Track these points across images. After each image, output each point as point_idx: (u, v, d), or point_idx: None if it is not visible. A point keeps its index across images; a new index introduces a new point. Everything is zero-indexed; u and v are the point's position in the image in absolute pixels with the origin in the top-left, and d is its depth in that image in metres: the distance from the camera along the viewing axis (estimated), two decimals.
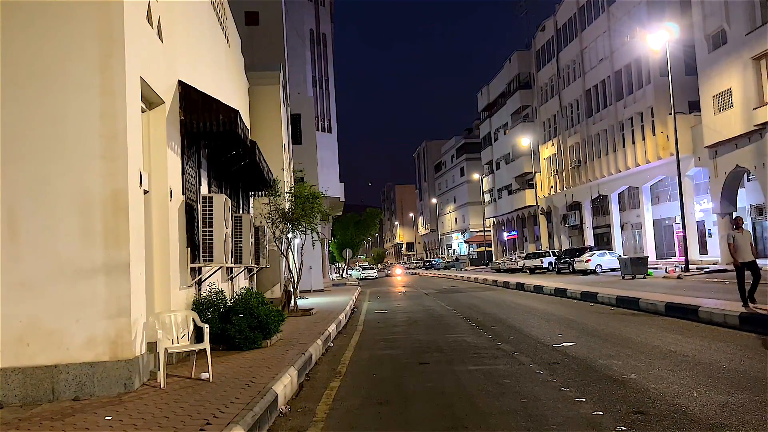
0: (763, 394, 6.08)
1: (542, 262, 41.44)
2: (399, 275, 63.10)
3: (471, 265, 72.44)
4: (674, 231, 40.02)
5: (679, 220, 34.75)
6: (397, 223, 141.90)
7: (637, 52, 39.77)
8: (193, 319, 8.04)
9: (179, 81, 9.66)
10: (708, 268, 28.42)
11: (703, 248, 36.84)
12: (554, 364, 8.30)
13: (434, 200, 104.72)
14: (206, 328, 7.66)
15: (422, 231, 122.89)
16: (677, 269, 27.56)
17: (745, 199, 33.12)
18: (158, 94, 8.57)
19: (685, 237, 29.18)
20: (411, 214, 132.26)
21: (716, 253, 33.88)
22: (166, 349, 7.30)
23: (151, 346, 7.57)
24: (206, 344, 7.50)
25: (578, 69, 49.85)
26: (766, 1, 28.09)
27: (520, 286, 26.49)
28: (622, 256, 31.98)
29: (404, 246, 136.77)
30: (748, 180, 32.61)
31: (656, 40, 29.50)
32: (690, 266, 27.67)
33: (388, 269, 77.44)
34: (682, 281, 22.57)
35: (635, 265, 27.20)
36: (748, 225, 33.45)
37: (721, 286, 18.50)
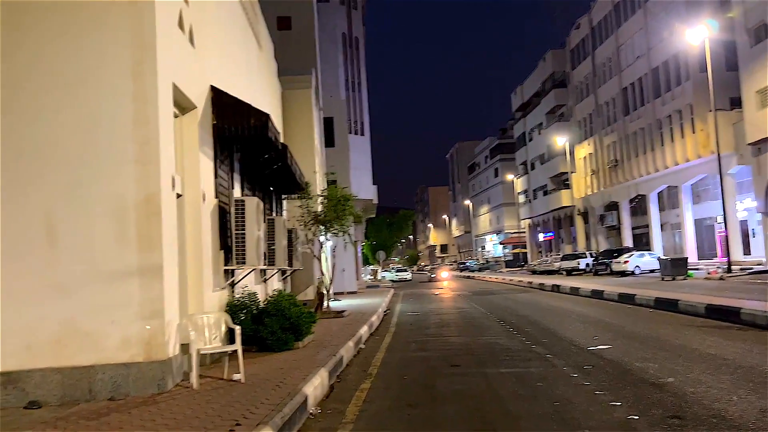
0: None
1: (579, 264, 40.77)
2: (446, 279, 52.04)
3: (506, 266, 71.75)
4: (716, 231, 38.94)
5: (721, 219, 33.82)
6: (430, 224, 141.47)
7: (675, 48, 38.84)
8: (226, 321, 8.13)
9: (211, 86, 9.80)
10: (752, 269, 27.54)
11: (747, 249, 35.72)
12: (589, 367, 8.14)
13: (468, 201, 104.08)
14: (238, 329, 7.74)
15: (456, 233, 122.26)
16: (719, 270, 26.79)
17: None
18: (190, 99, 8.70)
19: (727, 237, 28.36)
20: (444, 216, 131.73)
21: (760, 253, 32.80)
22: (198, 351, 7.40)
23: (185, 348, 7.68)
24: (238, 346, 7.58)
25: (614, 67, 48.95)
26: None
27: (555, 288, 26.11)
28: (662, 257, 31.26)
29: (438, 248, 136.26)
30: None
31: (695, 35, 28.77)
32: (732, 267, 26.86)
33: (431, 272, 59.84)
34: (724, 282, 21.93)
35: (675, 266, 26.54)
36: None
37: (766, 288, 17.90)
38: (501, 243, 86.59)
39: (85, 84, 7.15)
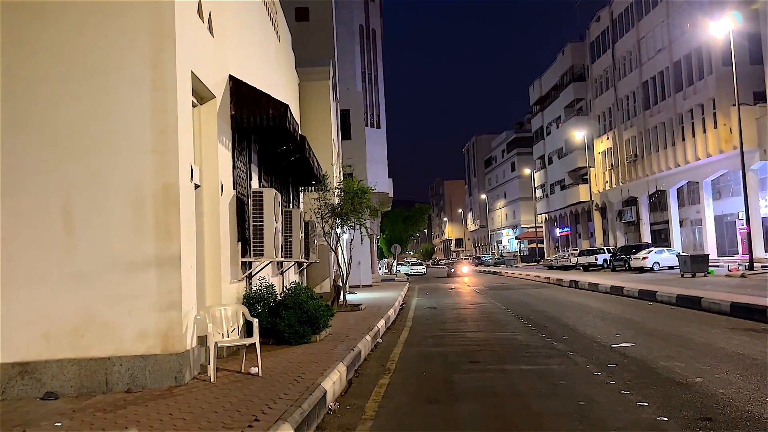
0: None
1: (596, 259, 40.33)
2: (466, 275, 46.14)
3: (522, 261, 71.29)
4: (737, 227, 38.29)
5: (742, 216, 33.23)
6: (445, 218, 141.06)
7: (698, 41, 38.15)
8: (244, 313, 8.04)
9: (230, 75, 9.70)
10: None
11: None
12: (612, 365, 7.96)
13: (484, 196, 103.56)
14: (256, 322, 7.64)
15: (471, 227, 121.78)
16: (740, 267, 26.31)
17: None
18: (209, 89, 8.61)
19: (749, 234, 27.84)
20: (460, 210, 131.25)
21: None
22: (216, 343, 7.32)
23: (202, 340, 7.61)
24: (256, 339, 7.49)
25: (635, 60, 48.23)
26: None
27: (574, 284, 25.82)
28: (682, 254, 30.79)
29: (453, 242, 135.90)
30: None
31: (719, 28, 28.18)
32: (755, 264, 26.36)
33: (450, 267, 51.46)
34: (746, 280, 21.51)
35: (695, 263, 26.09)
36: None
37: None
38: (517, 238, 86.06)
39: (104, 72, 7.07)
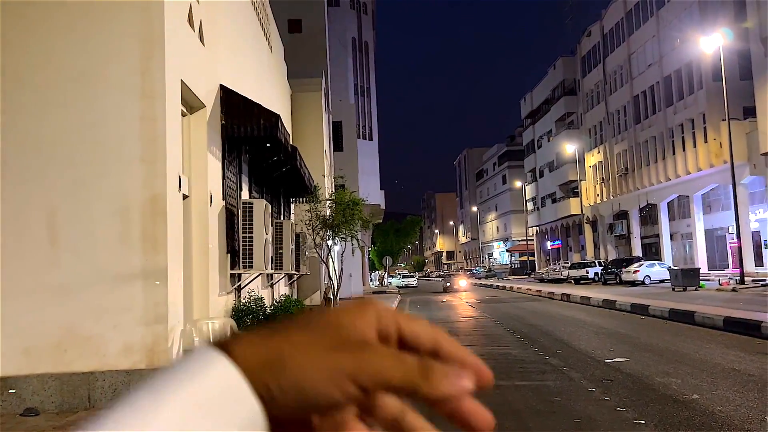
0: None
1: (588, 273, 40.36)
2: (464, 289, 39.10)
3: (513, 274, 71.30)
4: (727, 241, 38.44)
5: (732, 230, 33.37)
6: (437, 231, 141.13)
7: (688, 56, 38.46)
8: (231, 327, 7.87)
9: (220, 85, 9.58)
10: (765, 280, 27.07)
11: (759, 260, 35.22)
12: (607, 381, 7.82)
13: (475, 208, 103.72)
14: None
15: (462, 239, 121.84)
16: (731, 281, 26.35)
17: None
18: (199, 98, 8.48)
19: (740, 248, 27.93)
20: (451, 222, 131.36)
21: None
22: None
23: None
24: None
25: (626, 74, 48.60)
26: None
27: (565, 297, 25.72)
28: (673, 267, 30.86)
29: (444, 254, 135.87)
30: None
31: (709, 43, 28.42)
32: (745, 278, 26.41)
33: (446, 281, 43.08)
34: (737, 294, 21.51)
35: (686, 277, 26.15)
36: None
37: None
38: (508, 250, 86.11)
39: (91, 79, 6.93)
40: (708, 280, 29.73)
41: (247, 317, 9.70)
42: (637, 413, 6.10)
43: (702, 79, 37.76)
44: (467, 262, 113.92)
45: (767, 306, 15.69)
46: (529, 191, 73.25)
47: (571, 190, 59.52)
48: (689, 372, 8.15)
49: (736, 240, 28.08)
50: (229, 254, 9.70)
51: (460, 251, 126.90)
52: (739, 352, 9.68)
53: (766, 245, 34.75)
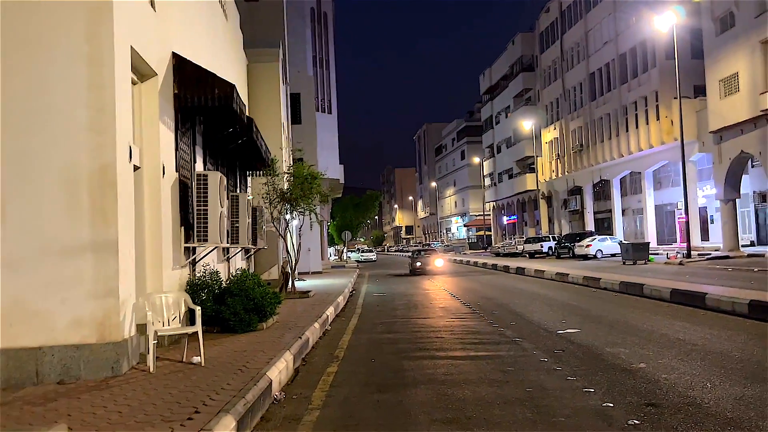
0: None
1: (542, 247, 41.21)
2: (440, 271, 28.65)
3: (470, 248, 72.25)
4: (676, 217, 39.73)
5: (681, 206, 34.48)
6: (396, 206, 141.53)
7: (643, 35, 39.11)
8: (186, 301, 7.74)
9: (173, 53, 9.27)
10: (710, 254, 28.15)
11: (705, 235, 36.57)
12: (559, 351, 8.03)
13: (434, 183, 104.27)
14: (198, 310, 7.36)
15: (421, 214, 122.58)
16: (679, 255, 27.30)
17: (749, 185, 32.76)
18: (150, 66, 8.18)
19: (687, 223, 28.89)
20: (410, 198, 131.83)
21: (718, 239, 33.59)
22: (156, 332, 7.01)
23: (142, 329, 7.27)
24: (198, 327, 7.21)
25: (582, 52, 49.16)
26: None
27: (520, 271, 26.23)
28: (624, 242, 31.74)
29: (403, 229, 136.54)
30: (752, 166, 32.22)
31: (662, 22, 28.89)
32: (692, 252, 27.39)
33: (418, 258, 29.88)
34: (684, 267, 22.31)
35: (637, 251, 26.98)
36: (750, 211, 33.20)
37: (725, 273, 18.23)
38: (466, 225, 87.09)
39: (36, 46, 6.61)
40: (657, 254, 30.72)
41: (203, 291, 9.56)
42: (586, 382, 6.28)
43: (655, 57, 38.50)
44: (426, 237, 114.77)
45: (711, 279, 16.32)
46: (487, 167, 73.94)
47: (528, 166, 60.32)
48: (637, 342, 8.43)
49: (684, 215, 29.00)
50: (183, 227, 9.50)
51: (419, 226, 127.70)
52: (684, 322, 10.06)
53: (712, 221, 36.05)
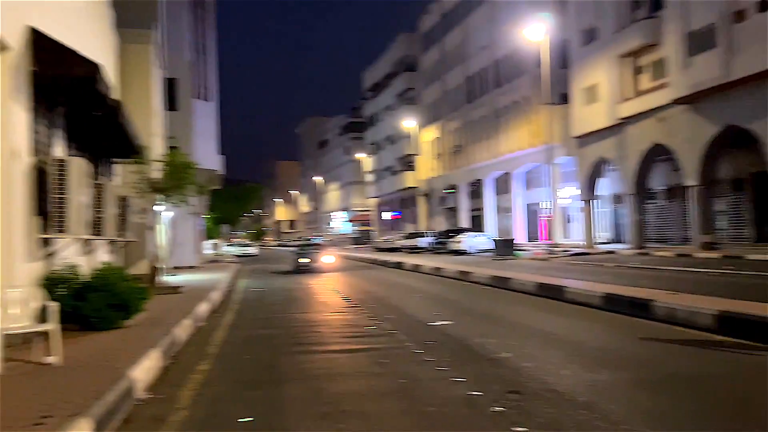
0: (628, 372, 6.34)
1: (419, 242, 42.48)
2: (329, 264, 26.53)
3: (353, 243, 72.88)
4: (539, 216, 42.45)
5: (544, 205, 36.93)
6: (279, 199, 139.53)
7: (516, 43, 41.32)
8: (40, 296, 7.11)
9: (31, 27, 8.46)
10: (571, 251, 30.35)
11: (566, 233, 39.43)
12: (432, 342, 8.26)
13: (317, 178, 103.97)
14: (53, 306, 6.79)
15: (304, 208, 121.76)
16: (543, 252, 29.21)
17: (606, 188, 35.67)
18: (1, 39, 7.41)
19: (551, 222, 30.99)
20: (293, 192, 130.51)
21: (578, 236, 36.35)
22: (2, 330, 6.37)
23: None
24: (53, 324, 6.65)
25: (461, 55, 51.09)
26: (635, 2, 30.12)
27: (398, 266, 26.80)
28: (496, 238, 33.46)
29: (285, 223, 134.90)
30: (610, 170, 35.13)
31: (533, 32, 30.69)
32: (555, 249, 29.42)
33: (306, 253, 27.04)
34: (548, 263, 23.87)
35: (505, 247, 28.65)
36: (607, 212, 36.17)
37: (584, 268, 19.73)
38: (350, 220, 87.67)
39: None
40: (524, 250, 32.63)
41: (61, 286, 8.84)
42: (456, 372, 6.51)
43: (526, 65, 40.83)
44: (307, 231, 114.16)
45: (572, 273, 17.59)
46: (370, 163, 74.89)
47: (408, 163, 61.82)
48: (504, 333, 8.87)
49: (546, 214, 31.06)
50: (39, 217, 8.72)
51: (301, 220, 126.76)
52: (547, 314, 10.73)
53: (569, 220, 38.94)
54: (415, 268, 24.17)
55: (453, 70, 52.43)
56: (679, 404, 5.23)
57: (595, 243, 33.81)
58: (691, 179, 27.24)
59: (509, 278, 15.60)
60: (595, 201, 35.28)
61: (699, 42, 25.34)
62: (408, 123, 55.32)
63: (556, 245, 30.74)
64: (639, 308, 9.92)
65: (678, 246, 28.23)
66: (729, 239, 26.57)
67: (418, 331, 9.38)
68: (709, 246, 25.46)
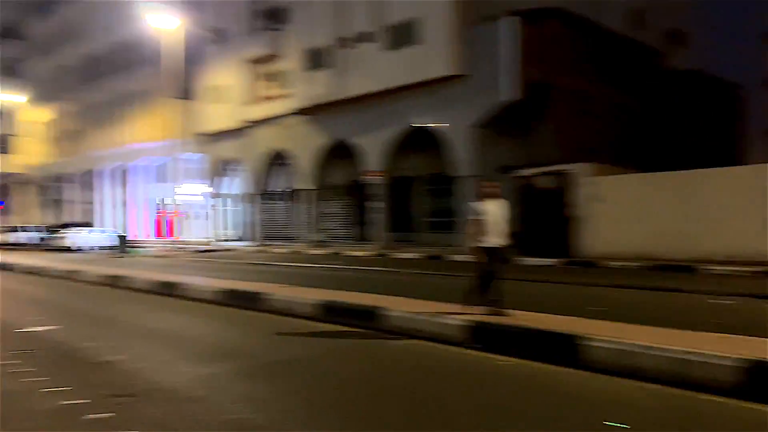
0: (239, 363, 6.71)
1: (21, 238, 37.18)
2: None
3: None
4: (163, 211, 41.50)
5: (168, 201, 36.33)
6: None
7: (147, 30, 39.45)
8: None
9: None
10: (195, 248, 30.47)
11: (192, 230, 39.37)
12: (28, 352, 7.35)
13: None
14: None
15: None
16: (167, 248, 28.65)
17: (234, 187, 36.80)
18: None
19: (177, 218, 30.61)
20: None
21: (205, 233, 36.70)
22: None
23: None
24: None
25: (83, 32, 46.38)
26: (264, 11, 31.89)
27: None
28: (115, 234, 31.46)
29: None
30: (236, 170, 36.41)
31: (158, 21, 29.79)
32: (180, 246, 29.16)
33: None
34: (170, 260, 23.49)
35: (123, 243, 27.33)
36: (234, 211, 37.41)
37: (206, 265, 20.05)
38: None
39: None
40: (146, 247, 31.48)
41: None
42: (61, 380, 5.92)
43: (155, 55, 39.24)
44: None
45: (195, 270, 17.70)
46: None
47: (3, 147, 53.19)
48: (118, 335, 8.44)
49: (173, 211, 30.59)
50: None
51: None
52: (163, 312, 10.57)
53: (187, 216, 39.10)
54: (11, 268, 20.96)
55: (73, 47, 47.16)
56: (276, 388, 5.76)
57: (220, 240, 34.63)
58: (307, 183, 30.21)
59: (124, 276, 14.86)
60: (222, 199, 36.15)
61: (317, 60, 28.35)
62: (3, 97, 47.47)
63: (181, 242, 30.45)
64: (253, 301, 10.60)
65: (294, 243, 30.96)
66: (337, 238, 30.36)
67: (15, 339, 8.22)
68: (319, 244, 28.66)
